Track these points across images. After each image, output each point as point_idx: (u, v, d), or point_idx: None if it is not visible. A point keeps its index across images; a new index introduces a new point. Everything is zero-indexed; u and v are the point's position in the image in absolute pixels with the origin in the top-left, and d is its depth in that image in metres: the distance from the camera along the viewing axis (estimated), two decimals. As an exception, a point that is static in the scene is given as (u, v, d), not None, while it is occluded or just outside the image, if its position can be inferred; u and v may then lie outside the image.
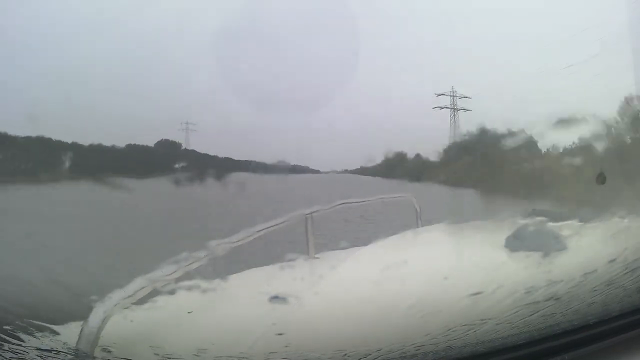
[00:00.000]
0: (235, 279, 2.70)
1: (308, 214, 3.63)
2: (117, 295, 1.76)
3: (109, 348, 1.64)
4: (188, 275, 2.25)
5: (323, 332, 1.93)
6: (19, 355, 1.47)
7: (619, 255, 2.16)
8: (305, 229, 3.61)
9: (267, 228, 3.13)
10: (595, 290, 1.92)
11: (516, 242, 3.02)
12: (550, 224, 3.12)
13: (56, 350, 1.56)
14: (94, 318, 1.62)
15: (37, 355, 1.50)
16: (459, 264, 2.75)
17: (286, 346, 1.79)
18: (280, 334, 1.97)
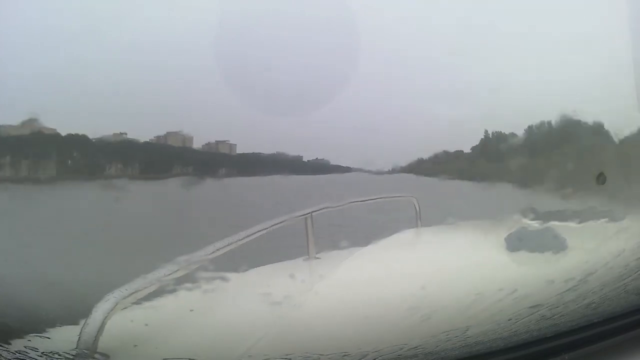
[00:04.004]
0: (236, 279, 2.70)
1: (308, 213, 3.62)
2: (117, 296, 1.76)
3: (109, 348, 1.65)
4: (188, 275, 2.25)
5: (323, 332, 1.94)
6: (19, 356, 1.47)
7: (618, 256, 2.16)
8: (305, 228, 3.61)
9: (268, 228, 3.13)
10: (595, 290, 1.92)
11: (516, 242, 3.02)
12: (550, 224, 3.12)
13: (56, 351, 1.56)
14: (94, 318, 1.62)
15: (38, 356, 1.50)
16: (459, 264, 2.75)
17: (286, 346, 1.80)
18: (280, 334, 1.98)
